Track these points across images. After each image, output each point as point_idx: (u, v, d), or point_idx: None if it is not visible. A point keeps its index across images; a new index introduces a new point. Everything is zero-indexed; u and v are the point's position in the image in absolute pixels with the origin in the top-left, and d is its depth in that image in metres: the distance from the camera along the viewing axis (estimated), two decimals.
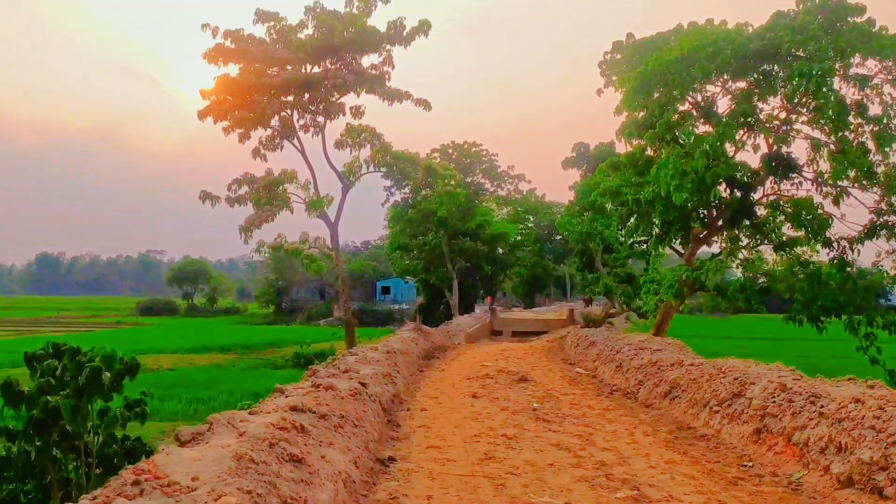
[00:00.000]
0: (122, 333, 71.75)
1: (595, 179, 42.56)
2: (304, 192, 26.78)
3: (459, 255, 58.86)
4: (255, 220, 25.07)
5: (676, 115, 24.75)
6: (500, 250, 64.28)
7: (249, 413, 8.17)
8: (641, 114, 27.04)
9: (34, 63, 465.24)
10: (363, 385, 11.54)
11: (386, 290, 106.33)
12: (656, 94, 25.90)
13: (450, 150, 58.96)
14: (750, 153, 26.96)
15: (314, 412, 8.39)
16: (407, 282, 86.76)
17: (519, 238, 71.16)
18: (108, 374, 8.83)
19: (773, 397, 10.13)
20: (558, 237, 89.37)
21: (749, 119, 23.63)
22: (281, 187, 26.42)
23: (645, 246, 42.29)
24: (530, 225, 77.27)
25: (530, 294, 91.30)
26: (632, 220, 28.80)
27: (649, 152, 28.16)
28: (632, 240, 34.30)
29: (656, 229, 27.67)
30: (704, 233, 27.25)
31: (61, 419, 8.24)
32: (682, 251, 28.71)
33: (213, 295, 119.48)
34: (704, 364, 13.62)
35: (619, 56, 28.15)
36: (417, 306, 67.94)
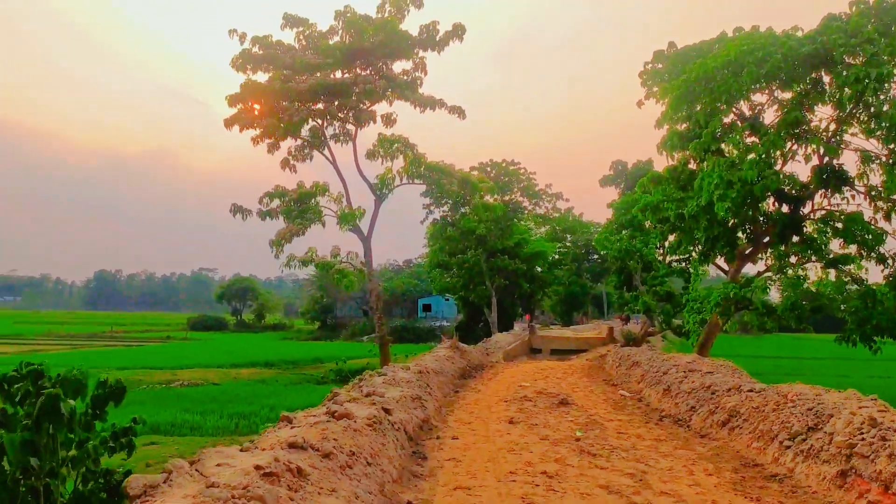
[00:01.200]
0: (170, 348, 70.91)
1: (634, 196, 40.76)
2: (336, 205, 25.39)
3: (498, 273, 57.06)
4: (285, 233, 23.45)
5: (722, 126, 22.86)
6: (539, 269, 62.28)
7: (241, 450, 6.56)
8: (684, 125, 25.21)
9: (94, 89, 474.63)
10: (386, 411, 9.87)
11: (427, 308, 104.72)
12: (698, 107, 24.08)
13: (488, 168, 57.20)
14: (800, 164, 25.03)
15: (317, 449, 6.72)
16: (447, 299, 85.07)
17: (557, 257, 69.12)
18: (72, 401, 7.18)
19: (861, 433, 8.25)
20: (595, 256, 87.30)
21: (799, 129, 21.67)
22: (313, 200, 24.90)
23: (684, 264, 40.38)
24: (568, 244, 75.21)
25: (568, 312, 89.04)
26: (673, 236, 26.83)
27: (692, 166, 26.32)
28: (671, 258, 31.82)
29: (699, 245, 25.70)
30: (749, 249, 25.25)
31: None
32: (727, 269, 26.73)
33: (260, 311, 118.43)
34: (767, 390, 11.73)
35: (660, 66, 26.29)
36: (456, 323, 66.22)
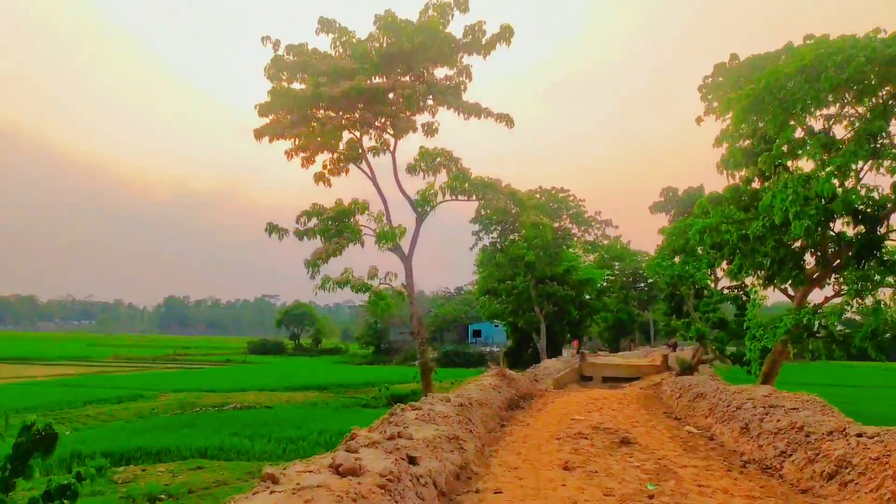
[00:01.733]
0: (228, 371, 70.40)
1: (687, 221, 37.79)
2: (375, 223, 23.04)
3: (547, 299, 54.32)
4: (321, 253, 21.03)
5: (793, 140, 20.10)
6: (587, 295, 59.32)
7: None
8: (747, 142, 22.48)
9: (168, 128, 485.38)
10: (411, 461, 7.43)
11: (477, 334, 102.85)
12: (764, 121, 21.40)
13: (538, 195, 54.64)
14: (873, 180, 22.26)
15: None
16: (496, 325, 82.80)
17: (605, 284, 66.00)
18: None
19: None
20: (642, 284, 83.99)
21: (878, 142, 18.80)
22: (351, 219, 22.52)
23: (738, 291, 37.26)
24: (616, 271, 72.06)
25: (615, 339, 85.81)
26: (734, 259, 23.94)
27: (755, 185, 23.57)
28: (723, 284, 28.49)
29: (763, 270, 22.84)
30: (817, 273, 22.30)
31: None
32: (791, 294, 23.79)
33: (317, 336, 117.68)
34: (884, 435, 9.00)
35: (721, 79, 23.61)
36: (505, 349, 63.58)
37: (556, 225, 54.56)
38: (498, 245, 54.67)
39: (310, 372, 66.58)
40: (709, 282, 37.84)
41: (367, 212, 22.44)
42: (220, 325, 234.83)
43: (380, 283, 21.37)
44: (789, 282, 22.47)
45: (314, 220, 22.05)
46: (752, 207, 23.25)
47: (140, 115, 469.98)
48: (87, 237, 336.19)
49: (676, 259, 37.16)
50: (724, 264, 24.73)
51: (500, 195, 22.53)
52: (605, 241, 63.10)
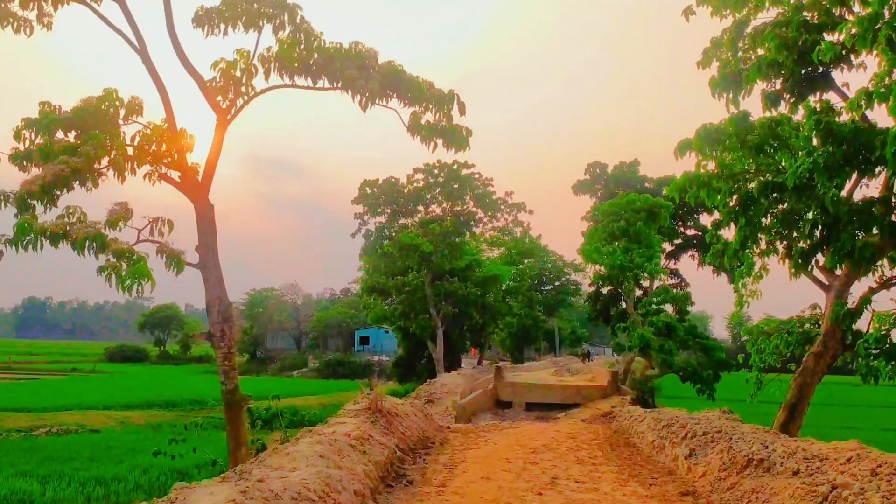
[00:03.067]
0: (66, 382, 62.14)
1: (629, 196, 29.82)
2: (144, 130, 12.01)
3: (445, 299, 45.29)
4: (35, 184, 10.89)
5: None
6: (491, 297, 50.56)
7: None
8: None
9: None
10: None
11: (365, 341, 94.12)
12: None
13: (435, 171, 45.71)
14: None
15: None
16: (387, 332, 74.46)
17: (511, 283, 57.39)
18: None
19: None
20: (549, 286, 76.61)
21: None
22: (111, 126, 11.73)
23: (678, 288, 29.57)
24: (522, 268, 63.64)
25: (518, 347, 77.72)
26: (738, 227, 15.50)
27: (781, 109, 15.47)
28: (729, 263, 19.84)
29: (801, 243, 14.54)
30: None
31: None
32: (825, 281, 15.64)
33: (186, 341, 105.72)
34: None
35: None
36: (394, 359, 54.52)
37: (458, 208, 45.67)
38: (386, 232, 45.26)
39: (165, 384, 57.46)
40: (661, 273, 30.08)
41: (136, 115, 12.15)
42: (86, 329, 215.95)
43: (142, 239, 11.41)
44: (843, 263, 14.26)
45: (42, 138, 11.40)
46: (770, 147, 15.08)
47: None
48: None
49: (617, 245, 29.33)
50: (730, 230, 16.36)
51: (375, 77, 12.60)
52: (519, 229, 53.88)
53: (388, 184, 44.79)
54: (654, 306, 30.06)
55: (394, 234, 44.79)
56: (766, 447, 9.47)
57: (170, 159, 11.46)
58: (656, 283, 36.00)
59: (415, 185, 46.21)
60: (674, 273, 44.43)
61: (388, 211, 45.58)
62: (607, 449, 13.91)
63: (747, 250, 15.99)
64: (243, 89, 12.37)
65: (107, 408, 38.87)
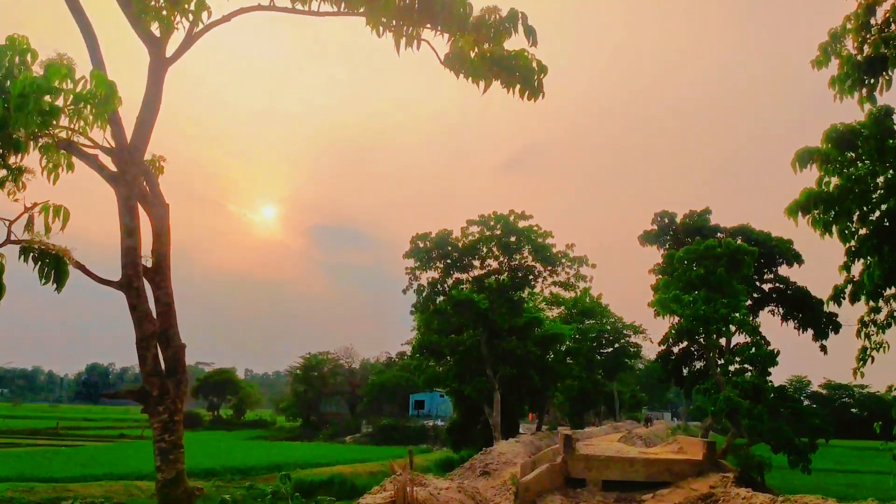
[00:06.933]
0: (108, 449, 58.34)
1: (708, 242, 26.21)
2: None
3: (503, 359, 41.58)
4: None
5: None
6: (551, 357, 46.68)
7: None
8: None
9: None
10: None
11: (420, 405, 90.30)
12: None
13: (491, 222, 42.57)
14: None
15: None
16: (442, 396, 70.99)
17: (571, 344, 53.29)
18: None
19: None
20: (609, 348, 72.44)
21: None
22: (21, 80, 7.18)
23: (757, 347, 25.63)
24: (583, 328, 59.63)
25: (578, 412, 73.18)
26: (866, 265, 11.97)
27: None
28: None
29: None
30: None
31: None
32: None
33: (240, 406, 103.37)
34: None
35: None
36: (448, 424, 50.70)
37: (515, 262, 42.29)
38: (439, 287, 42.00)
39: (209, 451, 55.51)
40: (752, 325, 26.09)
41: (64, 69, 7.99)
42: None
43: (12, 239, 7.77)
44: None
45: None
46: None
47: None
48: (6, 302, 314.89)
49: (697, 294, 25.56)
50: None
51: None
52: (582, 284, 49.61)
53: (441, 236, 41.81)
54: (740, 365, 26.09)
55: (447, 289, 41.60)
56: None
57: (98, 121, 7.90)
58: (735, 340, 32.08)
59: (469, 237, 43.10)
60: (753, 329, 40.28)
61: (441, 265, 42.49)
62: None
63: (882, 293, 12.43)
64: (188, 5, 8.67)
65: (140, 478, 35.09)
